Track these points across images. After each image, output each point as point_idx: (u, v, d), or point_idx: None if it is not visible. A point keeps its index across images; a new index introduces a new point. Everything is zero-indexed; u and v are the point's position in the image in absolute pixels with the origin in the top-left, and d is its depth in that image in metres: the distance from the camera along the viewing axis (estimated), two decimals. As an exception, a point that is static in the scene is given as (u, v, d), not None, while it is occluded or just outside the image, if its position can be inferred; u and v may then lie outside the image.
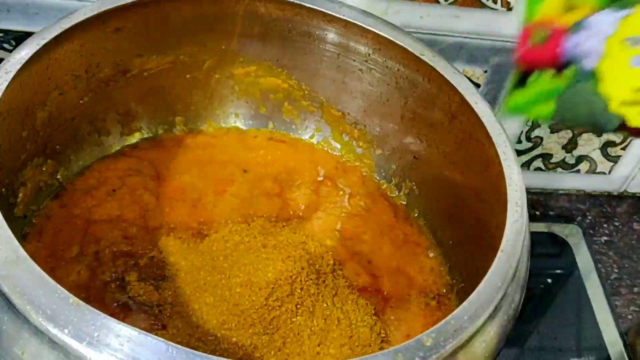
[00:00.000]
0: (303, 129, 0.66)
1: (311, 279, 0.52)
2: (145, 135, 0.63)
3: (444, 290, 0.58)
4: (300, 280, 0.51)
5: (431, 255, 0.60)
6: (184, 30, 0.58)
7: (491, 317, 0.39)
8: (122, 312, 0.51)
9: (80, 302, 0.34)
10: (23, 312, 0.34)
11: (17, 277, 0.35)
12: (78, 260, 0.53)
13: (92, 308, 0.34)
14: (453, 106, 0.55)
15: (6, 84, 0.43)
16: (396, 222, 0.62)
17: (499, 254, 0.42)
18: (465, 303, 0.39)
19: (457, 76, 0.54)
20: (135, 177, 0.60)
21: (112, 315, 0.35)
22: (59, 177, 0.57)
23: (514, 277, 0.42)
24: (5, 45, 0.62)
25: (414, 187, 0.63)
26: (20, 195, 0.53)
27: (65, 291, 0.34)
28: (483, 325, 0.39)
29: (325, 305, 0.52)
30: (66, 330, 0.33)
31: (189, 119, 0.65)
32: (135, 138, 0.63)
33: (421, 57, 0.55)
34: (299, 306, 0.50)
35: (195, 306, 0.50)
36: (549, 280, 0.78)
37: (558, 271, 0.79)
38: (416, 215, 0.62)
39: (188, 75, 0.62)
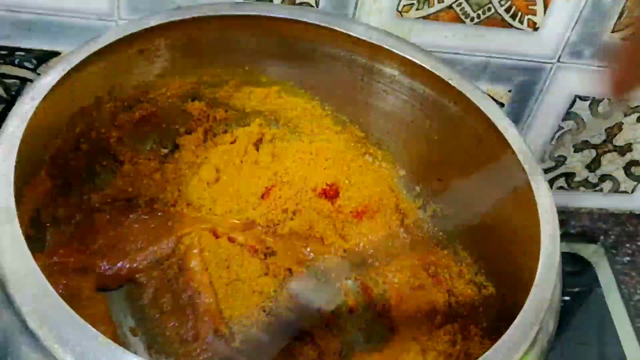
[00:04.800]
0: (326, 148, 0.66)
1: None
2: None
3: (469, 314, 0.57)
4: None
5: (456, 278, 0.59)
6: (207, 51, 0.58)
7: (528, 351, 0.39)
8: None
9: (109, 340, 0.33)
10: (50, 349, 0.34)
11: (44, 312, 0.34)
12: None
13: (120, 347, 0.33)
14: (480, 130, 0.54)
15: (33, 110, 0.43)
16: (420, 243, 0.62)
17: (534, 289, 0.41)
18: (501, 339, 0.38)
19: (486, 100, 0.53)
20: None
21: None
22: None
23: (548, 310, 0.41)
24: (27, 64, 0.62)
25: (438, 209, 0.62)
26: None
27: (93, 329, 0.34)
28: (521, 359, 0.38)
29: None
30: (94, 369, 0.33)
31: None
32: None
33: (447, 80, 0.54)
34: None
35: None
36: (571, 299, 0.77)
37: (580, 290, 0.78)
38: (441, 237, 0.62)
39: (210, 95, 0.61)
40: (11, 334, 0.35)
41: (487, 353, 0.38)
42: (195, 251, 0.57)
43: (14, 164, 0.40)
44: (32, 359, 0.34)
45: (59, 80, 0.46)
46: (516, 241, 0.51)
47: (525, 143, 0.51)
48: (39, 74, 0.63)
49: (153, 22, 0.52)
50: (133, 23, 0.52)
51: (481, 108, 0.52)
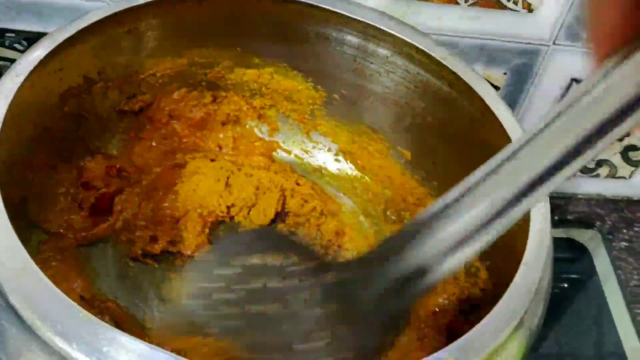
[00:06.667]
0: (319, 131, 0.65)
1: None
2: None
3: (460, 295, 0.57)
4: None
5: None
6: (198, 31, 0.57)
7: (514, 332, 0.38)
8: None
9: (91, 316, 0.33)
10: (32, 325, 0.33)
11: (26, 289, 0.34)
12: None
13: (102, 322, 0.33)
14: (474, 111, 0.53)
15: (17, 87, 0.42)
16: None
17: (522, 267, 0.41)
18: (486, 318, 0.38)
19: (479, 81, 0.52)
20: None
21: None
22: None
23: (537, 291, 0.40)
24: (17, 46, 0.61)
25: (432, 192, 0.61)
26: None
27: (76, 305, 0.33)
28: (505, 341, 0.37)
29: None
30: (75, 345, 0.32)
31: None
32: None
33: (442, 61, 0.53)
34: None
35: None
36: (567, 286, 0.76)
37: (576, 277, 0.77)
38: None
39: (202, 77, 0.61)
40: (-7, 310, 0.35)
41: (469, 333, 0.37)
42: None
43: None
44: (14, 335, 0.34)
45: (44, 58, 0.45)
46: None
47: (518, 125, 0.50)
48: (28, 54, 0.62)
49: (142, 1, 0.51)
50: (122, 1, 0.51)
51: (475, 90, 0.52)
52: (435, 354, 0.35)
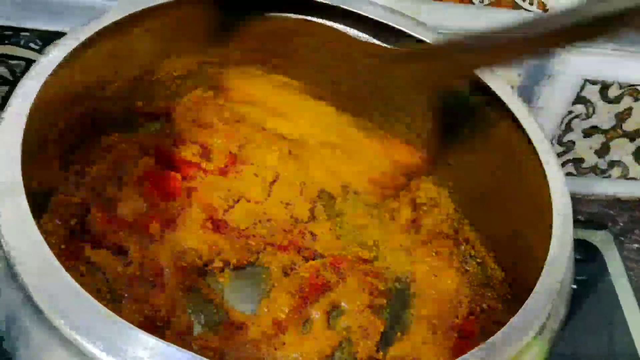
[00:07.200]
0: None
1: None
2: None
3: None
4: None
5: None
6: (213, 30, 0.57)
7: (538, 334, 0.38)
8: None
9: (112, 314, 0.33)
10: (53, 322, 0.33)
11: (48, 286, 0.34)
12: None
13: (123, 321, 0.33)
14: (489, 110, 0.53)
15: (39, 86, 0.42)
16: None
17: (545, 268, 0.41)
18: (511, 321, 0.37)
19: (495, 80, 0.52)
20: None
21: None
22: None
23: (559, 292, 0.40)
24: (32, 45, 0.61)
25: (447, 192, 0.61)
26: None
27: (98, 303, 0.33)
28: (530, 343, 0.37)
29: None
30: (97, 343, 0.32)
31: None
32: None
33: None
34: None
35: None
36: (579, 287, 0.76)
37: (588, 278, 0.77)
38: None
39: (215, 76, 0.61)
40: (16, 308, 0.34)
41: (494, 336, 0.37)
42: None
43: (20, 139, 0.40)
44: (36, 333, 0.34)
45: (64, 58, 0.45)
46: (528, 222, 0.50)
47: (536, 121, 0.50)
48: (44, 54, 0.62)
49: (159, 1, 0.51)
50: (138, 1, 0.51)
51: (491, 87, 0.52)
52: (462, 357, 0.35)
